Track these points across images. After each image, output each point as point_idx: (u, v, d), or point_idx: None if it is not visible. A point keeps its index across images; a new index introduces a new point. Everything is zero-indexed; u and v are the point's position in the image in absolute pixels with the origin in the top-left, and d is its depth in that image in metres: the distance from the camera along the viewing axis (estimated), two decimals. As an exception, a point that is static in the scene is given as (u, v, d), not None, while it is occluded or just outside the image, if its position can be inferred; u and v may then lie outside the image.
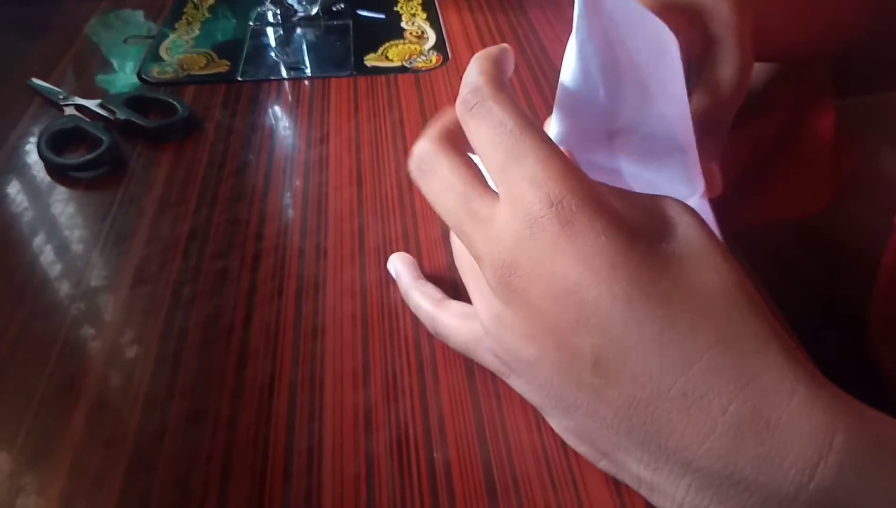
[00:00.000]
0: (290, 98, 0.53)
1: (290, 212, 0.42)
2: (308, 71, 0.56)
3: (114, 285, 0.38)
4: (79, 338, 0.35)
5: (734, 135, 0.85)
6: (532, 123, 0.24)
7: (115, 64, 0.57)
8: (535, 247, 0.22)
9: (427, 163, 0.27)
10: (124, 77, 0.55)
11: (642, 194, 0.24)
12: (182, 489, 0.29)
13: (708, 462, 0.19)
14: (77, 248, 0.40)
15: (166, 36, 0.61)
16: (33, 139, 0.48)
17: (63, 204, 0.43)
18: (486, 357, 0.30)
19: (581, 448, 0.27)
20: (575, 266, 0.21)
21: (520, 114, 0.24)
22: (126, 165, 0.46)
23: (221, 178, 0.45)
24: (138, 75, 0.55)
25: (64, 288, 0.38)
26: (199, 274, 0.38)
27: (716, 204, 0.38)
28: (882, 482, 0.18)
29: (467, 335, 0.30)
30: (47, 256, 0.40)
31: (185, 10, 0.65)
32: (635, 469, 0.22)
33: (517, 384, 0.29)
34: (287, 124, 0.50)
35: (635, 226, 0.22)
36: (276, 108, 0.52)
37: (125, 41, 0.61)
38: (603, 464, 0.25)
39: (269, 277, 0.38)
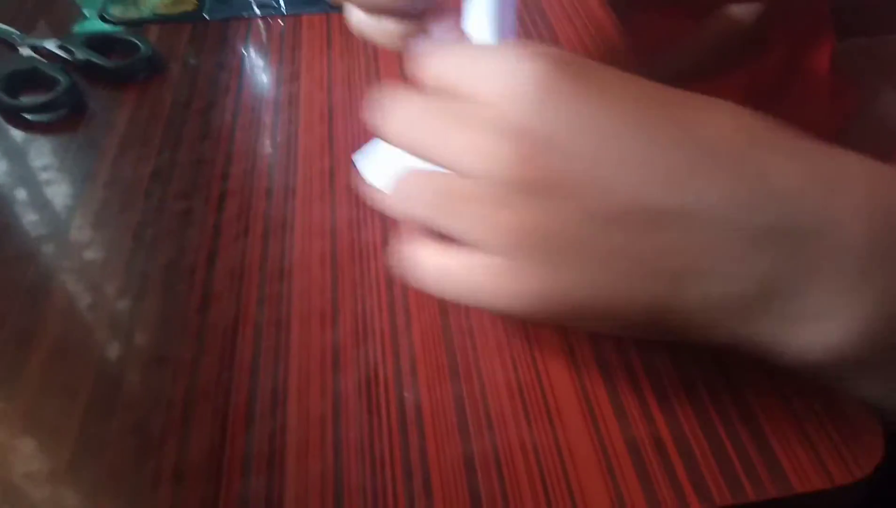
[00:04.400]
0: (260, 36, 0.51)
1: (259, 151, 0.40)
2: (280, 8, 0.54)
3: (72, 229, 0.36)
4: (36, 284, 0.34)
5: (728, 76, 0.83)
6: None
7: (87, 12, 0.54)
8: (560, 102, 0.22)
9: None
10: (93, 23, 0.52)
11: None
12: (141, 434, 0.28)
13: (772, 220, 0.21)
14: (34, 192, 0.38)
15: (130, -25, 0.58)
16: (-11, 82, 0.46)
17: (18, 147, 0.41)
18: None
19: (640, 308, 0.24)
20: (599, 107, 0.22)
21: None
22: (86, 107, 0.44)
23: (187, 118, 0.43)
24: (100, 16, 0.52)
25: (20, 234, 0.36)
26: (162, 215, 0.36)
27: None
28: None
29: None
30: (2, 201, 0.38)
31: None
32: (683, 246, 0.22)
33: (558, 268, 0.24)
34: (256, 63, 0.48)
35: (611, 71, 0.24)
36: (246, 46, 0.50)
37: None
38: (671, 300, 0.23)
39: (235, 217, 0.36)
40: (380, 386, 0.29)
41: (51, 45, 0.47)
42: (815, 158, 0.22)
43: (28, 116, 0.43)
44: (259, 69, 0.47)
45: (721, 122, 0.22)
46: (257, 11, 0.53)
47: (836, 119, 0.79)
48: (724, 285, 0.21)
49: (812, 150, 0.22)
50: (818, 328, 0.21)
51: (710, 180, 0.21)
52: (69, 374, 0.30)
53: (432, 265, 0.25)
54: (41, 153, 0.41)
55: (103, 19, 0.52)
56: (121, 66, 0.46)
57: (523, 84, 0.22)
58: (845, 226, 0.21)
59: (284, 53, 0.48)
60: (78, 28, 0.51)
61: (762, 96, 0.79)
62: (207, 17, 0.52)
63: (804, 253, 0.21)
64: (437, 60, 0.25)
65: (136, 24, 0.52)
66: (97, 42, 0.48)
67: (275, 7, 0.54)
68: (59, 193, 0.38)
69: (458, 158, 0.23)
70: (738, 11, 0.53)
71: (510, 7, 0.28)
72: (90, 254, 0.35)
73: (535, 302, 0.23)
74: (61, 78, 0.43)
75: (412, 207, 0.25)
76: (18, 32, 0.49)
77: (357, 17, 0.31)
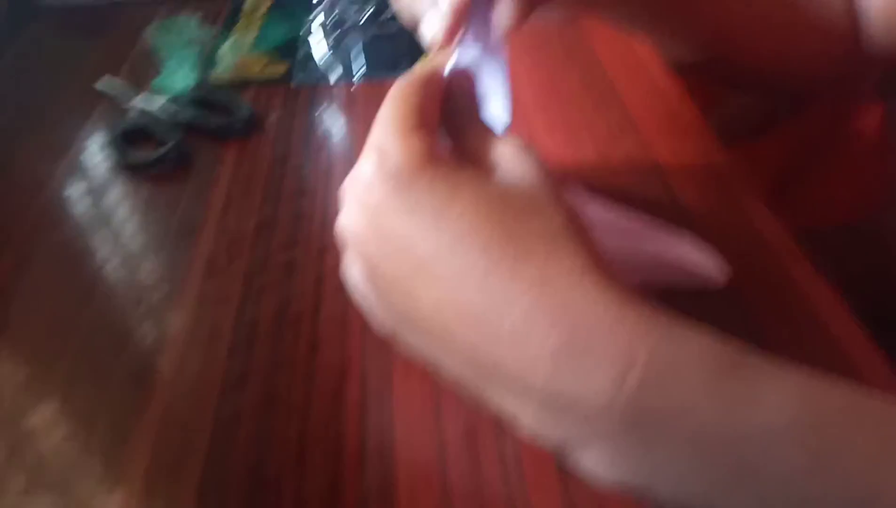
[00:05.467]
0: (346, 99, 0.54)
1: (353, 208, 0.43)
2: (362, 74, 0.57)
3: (186, 277, 0.39)
4: (153, 328, 0.36)
5: (773, 138, 0.84)
6: (411, 96, 0.25)
7: (171, 67, 0.59)
8: (369, 209, 0.23)
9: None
10: (179, 79, 0.57)
11: (481, 136, 0.26)
12: (258, 475, 0.30)
13: (539, 387, 0.21)
14: (148, 241, 0.41)
15: (225, 40, 0.62)
16: (101, 138, 0.50)
17: (132, 200, 0.45)
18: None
19: (466, 393, 0.26)
20: (404, 221, 0.22)
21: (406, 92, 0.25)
22: (191, 162, 0.47)
23: (284, 174, 0.46)
24: (200, 77, 0.57)
25: (136, 280, 0.39)
26: (268, 265, 0.39)
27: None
28: (682, 390, 0.20)
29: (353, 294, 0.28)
30: (120, 249, 0.41)
31: (241, 14, 0.67)
32: (499, 403, 0.23)
33: (399, 345, 0.27)
34: (344, 124, 0.51)
35: (464, 177, 0.23)
36: (333, 108, 0.53)
37: (185, 45, 0.62)
38: (486, 405, 0.25)
39: (335, 269, 0.39)
40: (480, 435, 0.31)
41: (157, 104, 0.52)
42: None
43: (140, 171, 0.46)
44: (349, 129, 0.51)
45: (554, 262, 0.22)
46: (340, 76, 0.57)
47: (885, 182, 0.79)
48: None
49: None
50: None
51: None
52: (188, 414, 0.32)
53: (345, 276, 0.27)
54: (153, 206, 0.44)
55: (201, 80, 0.56)
56: (223, 124, 0.50)
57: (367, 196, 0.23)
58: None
59: (370, 116, 0.51)
60: (157, 83, 0.56)
61: (808, 157, 0.80)
62: (297, 81, 0.56)
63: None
64: (385, 105, 0.26)
65: (233, 86, 0.56)
66: (200, 101, 0.52)
67: (357, 72, 0.58)
68: (171, 244, 0.41)
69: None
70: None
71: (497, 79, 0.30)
72: (203, 301, 0.37)
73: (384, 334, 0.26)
74: (170, 135, 0.47)
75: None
76: (126, 91, 0.53)
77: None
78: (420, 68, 0.27)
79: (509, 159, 0.24)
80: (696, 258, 0.34)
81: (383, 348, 0.34)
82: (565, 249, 0.22)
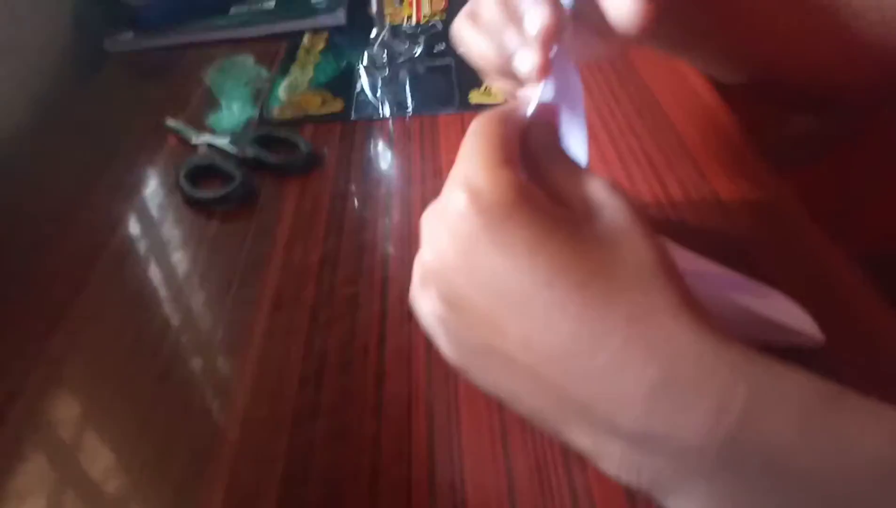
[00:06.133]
0: (401, 134, 0.56)
1: (412, 239, 0.44)
2: (415, 109, 0.59)
3: (255, 310, 0.40)
4: (225, 362, 0.38)
5: (826, 163, 0.82)
6: (495, 131, 0.25)
7: (224, 105, 0.61)
8: (461, 240, 0.23)
9: None
10: (231, 117, 0.59)
11: (573, 178, 0.26)
12: (335, 503, 0.30)
13: (630, 426, 0.21)
14: (217, 277, 0.43)
15: (282, 79, 0.65)
16: (170, 176, 0.52)
17: (201, 236, 0.46)
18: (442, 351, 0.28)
19: (540, 427, 0.26)
20: (498, 255, 0.22)
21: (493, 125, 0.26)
22: (256, 198, 0.49)
23: (345, 209, 0.47)
24: (256, 115, 0.59)
25: (207, 316, 0.41)
26: (333, 299, 0.40)
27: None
28: (781, 427, 0.20)
29: (427, 324, 0.28)
30: (191, 285, 0.43)
31: (297, 54, 0.69)
32: (579, 440, 0.23)
33: (470, 378, 0.27)
34: (401, 159, 0.53)
35: (557, 213, 0.23)
36: (390, 143, 0.55)
37: (241, 84, 0.65)
38: (563, 440, 0.25)
39: (398, 301, 0.40)
40: (549, 468, 0.31)
41: (223, 142, 0.54)
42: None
43: (208, 207, 0.48)
44: (404, 165, 0.52)
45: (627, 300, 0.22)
46: (395, 112, 0.59)
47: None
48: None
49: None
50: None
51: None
52: (264, 444, 0.33)
53: (416, 307, 0.27)
54: (222, 241, 0.46)
55: (263, 118, 0.59)
56: (285, 161, 0.51)
57: (445, 236, 0.24)
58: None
59: (425, 151, 0.53)
60: (214, 121, 0.58)
61: (868, 181, 0.79)
62: (354, 117, 0.58)
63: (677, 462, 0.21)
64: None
65: (292, 124, 0.58)
66: (262, 140, 0.54)
67: (410, 108, 0.59)
68: (241, 278, 0.43)
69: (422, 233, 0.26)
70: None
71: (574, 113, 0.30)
72: (272, 335, 0.39)
73: (456, 368, 0.26)
74: (236, 172, 0.49)
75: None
76: (194, 130, 0.56)
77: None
78: (503, 105, 0.28)
79: (599, 197, 0.24)
80: (794, 316, 0.34)
81: (449, 379, 0.35)
82: (659, 286, 0.22)
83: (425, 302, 0.26)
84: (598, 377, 0.21)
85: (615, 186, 0.25)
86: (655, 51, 0.45)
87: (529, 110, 0.27)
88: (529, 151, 0.27)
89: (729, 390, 0.20)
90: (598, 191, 0.25)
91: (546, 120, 0.28)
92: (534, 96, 0.28)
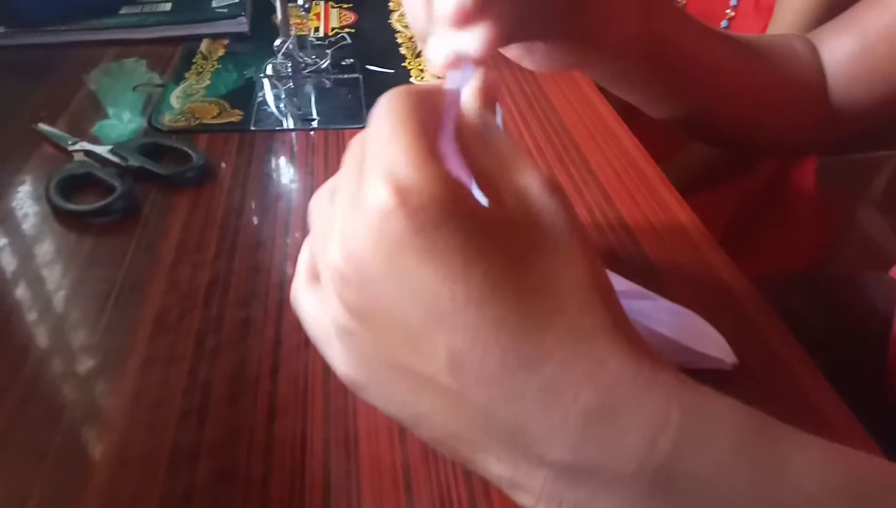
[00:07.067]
0: (305, 148, 0.53)
1: (313, 261, 0.41)
2: (320, 122, 0.56)
3: (132, 335, 0.36)
4: (95, 393, 0.33)
5: (721, 190, 0.87)
6: (414, 112, 0.22)
7: (111, 112, 0.56)
8: (386, 243, 0.20)
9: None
10: (121, 126, 0.54)
11: (507, 170, 0.23)
12: (214, 555, 0.27)
13: (560, 453, 0.20)
14: (91, 297, 0.38)
15: (177, 85, 0.60)
16: (41, 185, 0.47)
17: (74, 252, 0.42)
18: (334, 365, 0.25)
19: (447, 453, 0.24)
20: (427, 266, 0.20)
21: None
22: (140, 211, 0.45)
23: (240, 225, 0.44)
24: (147, 123, 0.54)
25: (77, 340, 0.36)
26: (222, 324, 0.37)
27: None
28: (714, 453, 0.19)
29: (316, 332, 0.25)
30: (59, 305, 0.38)
31: (194, 60, 0.65)
32: (496, 469, 0.22)
33: (368, 397, 0.24)
34: (303, 173, 0.50)
35: (493, 217, 0.21)
36: (291, 157, 0.52)
37: (134, 89, 0.60)
38: (474, 468, 0.23)
39: (295, 327, 0.36)
40: (454, 505, 0.29)
41: (103, 150, 0.49)
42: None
43: (83, 220, 0.44)
44: (306, 179, 0.49)
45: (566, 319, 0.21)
46: (298, 125, 0.56)
47: (823, 236, 0.83)
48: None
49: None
50: None
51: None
52: (135, 488, 0.29)
53: (302, 309, 0.25)
54: (98, 257, 0.41)
55: (151, 127, 0.54)
56: (175, 172, 0.47)
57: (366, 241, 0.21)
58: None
59: (329, 166, 0.50)
60: (99, 128, 0.53)
61: (751, 214, 0.83)
62: (253, 128, 0.55)
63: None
64: (353, 143, 0.23)
65: (185, 132, 0.54)
66: (149, 149, 0.49)
67: (315, 121, 0.56)
68: (117, 296, 0.38)
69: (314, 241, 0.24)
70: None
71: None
72: (151, 364, 0.35)
73: (351, 385, 0.24)
74: (117, 183, 0.45)
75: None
76: (70, 137, 0.51)
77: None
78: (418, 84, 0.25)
79: (536, 198, 0.22)
80: (709, 338, 0.34)
81: (348, 412, 0.32)
82: (595, 306, 0.21)
83: (322, 308, 0.23)
84: (531, 400, 0.20)
85: (553, 182, 0.22)
86: (598, 80, 0.44)
87: (465, 88, 0.24)
88: (460, 135, 0.23)
89: (663, 415, 0.19)
90: (535, 189, 0.22)
91: (486, 103, 0.25)
92: (470, 74, 0.25)
